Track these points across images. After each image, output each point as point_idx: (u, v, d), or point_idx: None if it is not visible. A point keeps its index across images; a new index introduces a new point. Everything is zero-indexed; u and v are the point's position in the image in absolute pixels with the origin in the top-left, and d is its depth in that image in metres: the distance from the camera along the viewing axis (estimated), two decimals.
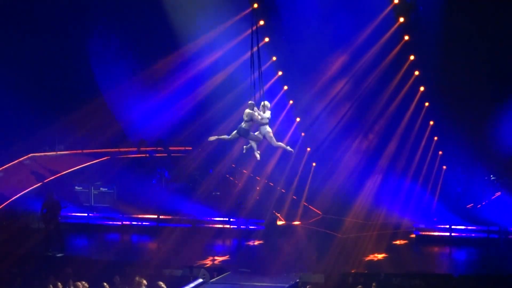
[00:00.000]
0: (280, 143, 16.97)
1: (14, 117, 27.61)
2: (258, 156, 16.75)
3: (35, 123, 27.99)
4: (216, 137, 16.73)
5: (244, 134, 16.32)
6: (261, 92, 16.85)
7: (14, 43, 27.53)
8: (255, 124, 16.29)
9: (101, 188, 29.79)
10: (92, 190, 29.76)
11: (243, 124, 16.25)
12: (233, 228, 27.82)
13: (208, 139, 16.92)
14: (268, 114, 16.35)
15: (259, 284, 20.17)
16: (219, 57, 28.10)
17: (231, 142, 17.18)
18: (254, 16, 17.47)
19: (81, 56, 28.24)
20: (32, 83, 28.11)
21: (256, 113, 16.13)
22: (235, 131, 16.34)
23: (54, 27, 27.90)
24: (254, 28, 17.00)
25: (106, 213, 29.01)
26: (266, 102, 16.47)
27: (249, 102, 16.28)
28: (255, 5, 25.87)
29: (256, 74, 16.65)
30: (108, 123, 29.70)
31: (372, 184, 30.27)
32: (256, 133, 16.49)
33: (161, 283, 18.28)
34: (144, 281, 18.70)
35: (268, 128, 16.49)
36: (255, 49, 16.69)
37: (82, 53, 28.35)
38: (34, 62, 28.09)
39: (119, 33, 28.91)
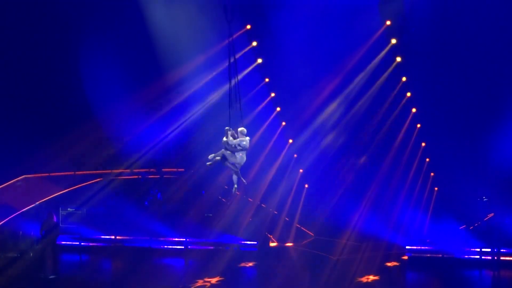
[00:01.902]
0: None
1: (7, 139, 27.54)
2: (235, 190, 16.73)
3: (28, 145, 27.91)
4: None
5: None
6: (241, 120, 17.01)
7: (4, 66, 27.58)
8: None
9: (93, 210, 29.72)
10: (85, 212, 29.66)
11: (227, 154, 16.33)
12: (226, 249, 27.77)
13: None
14: (243, 139, 16.34)
15: None
16: (212, 78, 28.11)
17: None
18: (231, 47, 17.41)
19: (73, 77, 28.18)
20: (24, 104, 28.13)
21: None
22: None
23: (45, 48, 27.94)
24: (233, 59, 17.27)
25: (98, 235, 28.91)
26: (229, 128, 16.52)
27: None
28: (248, 27, 26.10)
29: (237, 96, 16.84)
30: (101, 145, 29.67)
31: (364, 205, 30.30)
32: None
33: None
34: None
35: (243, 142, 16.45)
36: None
37: (74, 75, 28.30)
38: (26, 83, 28.17)
39: (112, 55, 28.94)
